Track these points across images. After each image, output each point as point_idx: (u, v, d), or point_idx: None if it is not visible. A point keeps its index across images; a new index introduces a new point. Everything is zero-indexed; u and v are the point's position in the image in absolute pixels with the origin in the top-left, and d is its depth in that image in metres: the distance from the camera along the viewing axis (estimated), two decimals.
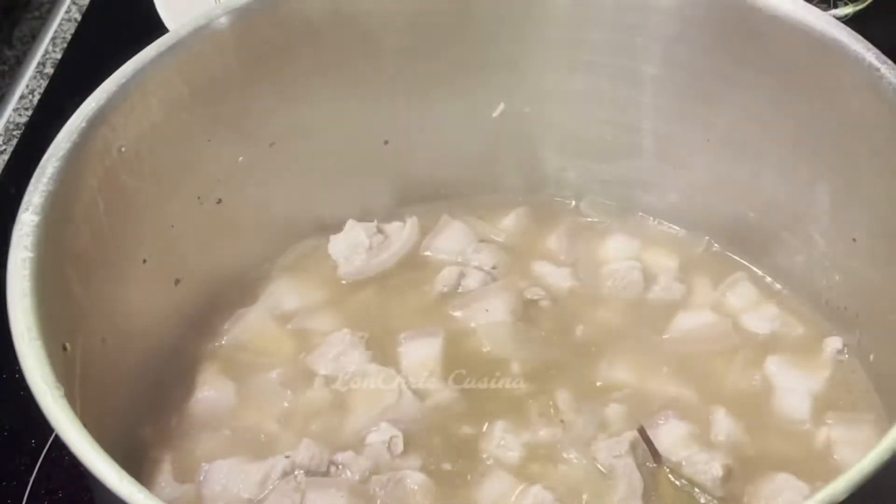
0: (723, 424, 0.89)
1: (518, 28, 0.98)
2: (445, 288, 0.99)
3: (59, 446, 0.85)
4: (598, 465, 0.86)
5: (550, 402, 0.90)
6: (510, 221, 1.06)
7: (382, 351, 0.94)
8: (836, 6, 1.30)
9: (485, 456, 0.88)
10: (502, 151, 1.06)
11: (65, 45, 1.40)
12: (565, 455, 0.87)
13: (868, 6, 1.31)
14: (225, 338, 0.97)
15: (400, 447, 0.87)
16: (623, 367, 0.93)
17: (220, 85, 0.93)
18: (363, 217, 1.04)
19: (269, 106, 0.97)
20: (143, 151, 0.89)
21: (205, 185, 0.95)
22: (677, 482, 0.84)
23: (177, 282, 0.96)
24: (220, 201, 0.96)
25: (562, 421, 0.89)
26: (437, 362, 0.93)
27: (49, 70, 1.37)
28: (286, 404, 0.92)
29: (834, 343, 0.95)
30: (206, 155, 0.94)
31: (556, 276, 1.00)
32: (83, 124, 0.84)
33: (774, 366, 0.93)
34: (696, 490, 0.83)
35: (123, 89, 0.86)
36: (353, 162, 1.02)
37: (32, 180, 0.80)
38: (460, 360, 0.93)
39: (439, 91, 1.02)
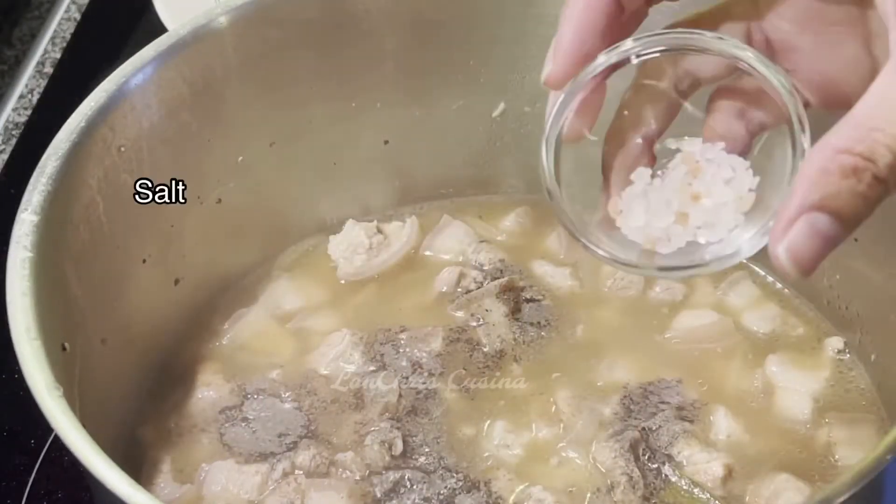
0: (723, 424, 0.89)
1: (518, 28, 0.98)
2: (445, 288, 0.99)
3: (59, 446, 0.85)
4: (598, 465, 0.86)
5: (551, 402, 0.90)
6: (510, 221, 1.06)
7: (382, 351, 0.94)
8: None
9: (485, 456, 0.88)
10: (502, 151, 1.06)
11: (64, 44, 1.39)
12: (565, 455, 0.87)
13: None
14: (225, 338, 0.97)
15: (400, 447, 0.87)
16: (623, 367, 0.93)
17: (220, 85, 0.93)
18: (363, 217, 1.04)
19: (270, 105, 0.97)
20: (143, 151, 0.89)
21: (205, 185, 0.95)
22: (678, 482, 0.84)
23: (177, 282, 0.96)
24: (220, 201, 0.96)
25: (562, 421, 0.89)
26: (437, 362, 0.93)
27: (48, 70, 1.36)
28: (286, 405, 0.92)
29: (834, 343, 0.95)
30: (206, 155, 0.94)
31: (556, 276, 1.00)
32: (83, 124, 0.84)
33: (775, 365, 0.93)
34: (697, 490, 0.83)
35: (123, 89, 0.86)
36: (353, 162, 1.02)
37: (32, 180, 0.80)
38: (460, 360, 0.93)
39: (439, 91, 1.02)
